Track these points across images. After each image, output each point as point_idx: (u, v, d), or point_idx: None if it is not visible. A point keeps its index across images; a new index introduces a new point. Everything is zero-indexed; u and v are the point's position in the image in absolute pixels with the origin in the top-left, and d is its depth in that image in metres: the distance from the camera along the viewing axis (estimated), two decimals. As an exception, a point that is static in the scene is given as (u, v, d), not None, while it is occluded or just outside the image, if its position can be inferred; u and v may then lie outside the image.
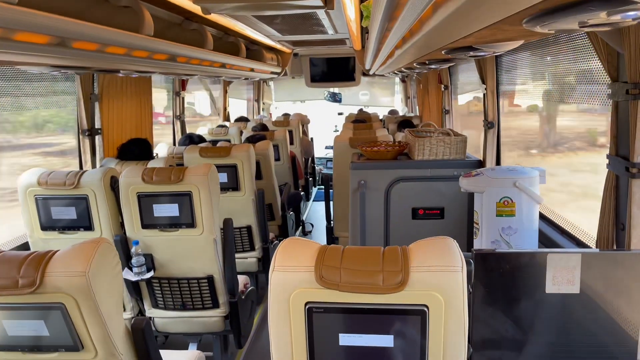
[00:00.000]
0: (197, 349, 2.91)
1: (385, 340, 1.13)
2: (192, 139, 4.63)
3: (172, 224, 2.60)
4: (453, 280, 1.08)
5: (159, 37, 2.47)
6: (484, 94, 3.27)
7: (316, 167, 8.52)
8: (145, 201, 2.57)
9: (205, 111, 7.52)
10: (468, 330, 1.13)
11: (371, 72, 6.18)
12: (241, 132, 5.87)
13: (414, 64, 3.72)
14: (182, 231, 2.61)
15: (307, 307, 1.12)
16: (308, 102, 10.31)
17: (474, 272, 1.56)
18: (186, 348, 2.98)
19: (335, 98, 9.48)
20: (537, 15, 1.03)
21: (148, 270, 2.65)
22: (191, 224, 2.59)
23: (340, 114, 9.76)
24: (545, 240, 2.45)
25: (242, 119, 7.42)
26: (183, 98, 5.55)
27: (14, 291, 1.28)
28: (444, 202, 3.04)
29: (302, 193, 5.98)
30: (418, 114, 7.22)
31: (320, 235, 5.55)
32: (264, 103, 9.46)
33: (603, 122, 2.19)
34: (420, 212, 3.08)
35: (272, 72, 6.34)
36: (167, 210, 2.58)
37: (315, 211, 7.18)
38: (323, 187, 5.21)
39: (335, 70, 7.93)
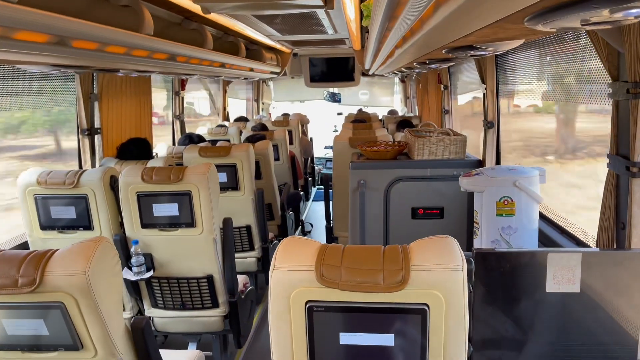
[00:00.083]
0: (197, 348, 2.90)
1: (385, 339, 1.13)
2: (191, 139, 4.63)
3: (172, 223, 2.60)
4: (454, 279, 1.07)
5: (159, 36, 2.47)
6: (483, 94, 3.27)
7: (315, 167, 8.52)
8: (144, 201, 2.57)
9: (204, 111, 7.52)
10: (468, 329, 1.13)
11: (371, 72, 6.18)
12: (240, 132, 5.87)
13: (414, 64, 3.72)
14: (182, 231, 2.61)
15: (307, 306, 1.12)
16: (307, 102, 10.31)
17: (474, 271, 1.56)
18: (186, 348, 2.98)
19: (334, 98, 9.48)
20: (538, 13, 1.03)
21: (147, 270, 2.64)
22: (191, 224, 2.59)
23: (339, 114, 9.76)
24: (545, 240, 2.45)
25: (241, 119, 7.42)
26: (182, 98, 5.55)
27: (14, 290, 1.27)
28: (444, 202, 3.04)
29: (301, 193, 5.98)
30: (417, 114, 7.22)
31: (319, 235, 5.54)
32: (263, 103, 9.46)
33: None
34: (420, 211, 3.07)
35: (272, 72, 6.34)
36: (166, 209, 2.58)
37: (314, 211, 7.18)
38: (322, 187, 5.21)
39: (335, 70, 7.93)
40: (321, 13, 3.80)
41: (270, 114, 9.96)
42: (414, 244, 1.15)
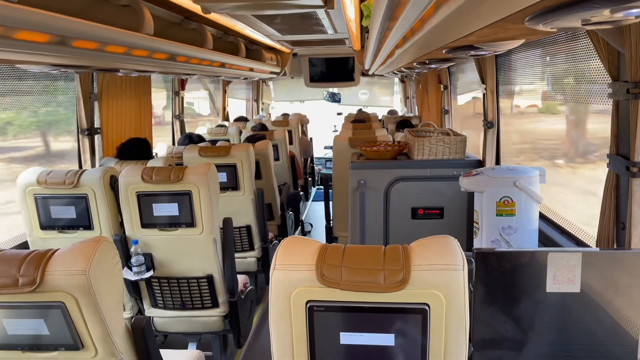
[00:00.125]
0: (197, 348, 2.90)
1: (386, 339, 1.13)
2: (191, 139, 4.63)
3: (172, 223, 2.60)
4: (454, 279, 1.07)
5: (159, 36, 2.47)
6: (483, 94, 3.27)
7: (315, 167, 8.52)
8: (144, 200, 2.57)
9: (204, 111, 7.52)
10: (469, 329, 1.13)
11: (370, 72, 6.18)
12: (240, 132, 5.87)
13: (414, 64, 3.72)
14: (182, 230, 2.61)
15: (308, 305, 1.12)
16: (307, 102, 10.30)
17: (474, 271, 1.56)
18: (185, 347, 2.98)
19: (334, 98, 9.48)
20: (539, 13, 1.03)
21: (147, 270, 2.64)
22: (191, 224, 2.59)
23: (339, 114, 9.76)
24: (545, 240, 2.45)
25: (241, 119, 7.42)
26: (182, 98, 5.55)
27: (14, 290, 1.27)
28: (444, 202, 3.04)
29: (301, 193, 5.98)
30: (417, 114, 7.22)
31: (319, 235, 5.54)
32: (263, 103, 9.46)
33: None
34: (420, 211, 3.07)
35: (272, 72, 6.34)
36: (166, 209, 2.58)
37: (314, 211, 7.18)
38: (322, 187, 5.21)
39: (335, 71, 7.92)
40: (321, 13, 3.80)
41: (270, 114, 9.96)
42: (415, 243, 1.15)
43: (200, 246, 2.64)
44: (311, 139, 8.41)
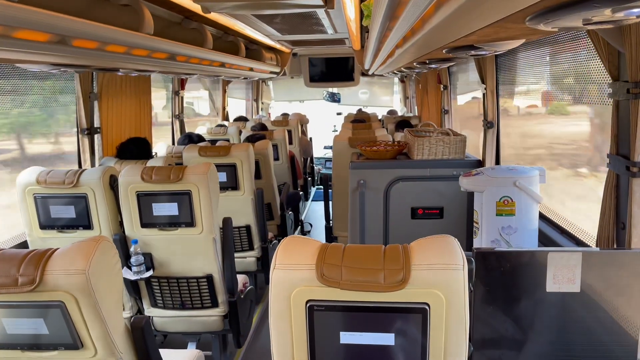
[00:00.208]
0: (196, 348, 2.90)
1: (386, 339, 1.12)
2: (191, 139, 4.63)
3: (172, 223, 2.60)
4: (454, 278, 1.07)
5: (159, 36, 2.47)
6: (483, 94, 3.27)
7: (315, 167, 8.52)
8: (144, 200, 2.57)
9: (204, 111, 7.52)
10: (469, 329, 1.13)
11: (370, 72, 6.18)
12: (240, 132, 5.86)
13: (414, 64, 3.72)
14: (182, 230, 2.61)
15: (308, 305, 1.12)
16: (307, 101, 10.30)
17: (474, 271, 1.56)
18: (185, 347, 2.98)
19: (334, 98, 9.48)
20: (540, 13, 1.03)
21: (147, 270, 2.64)
22: (190, 223, 2.59)
23: (339, 114, 9.76)
24: (544, 240, 2.45)
25: (241, 119, 7.42)
26: (182, 97, 5.55)
27: (14, 289, 1.27)
28: (444, 202, 3.04)
29: (301, 193, 5.98)
30: (417, 114, 7.22)
31: (319, 235, 5.54)
32: (262, 103, 9.46)
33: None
34: (420, 211, 3.08)
35: (271, 72, 6.34)
36: (166, 209, 2.58)
37: (314, 211, 7.18)
38: (322, 186, 5.21)
39: (334, 70, 7.92)
40: (321, 13, 3.80)
41: (269, 113, 9.95)
42: (415, 243, 1.15)
43: (199, 246, 2.64)
44: (311, 138, 8.41)
